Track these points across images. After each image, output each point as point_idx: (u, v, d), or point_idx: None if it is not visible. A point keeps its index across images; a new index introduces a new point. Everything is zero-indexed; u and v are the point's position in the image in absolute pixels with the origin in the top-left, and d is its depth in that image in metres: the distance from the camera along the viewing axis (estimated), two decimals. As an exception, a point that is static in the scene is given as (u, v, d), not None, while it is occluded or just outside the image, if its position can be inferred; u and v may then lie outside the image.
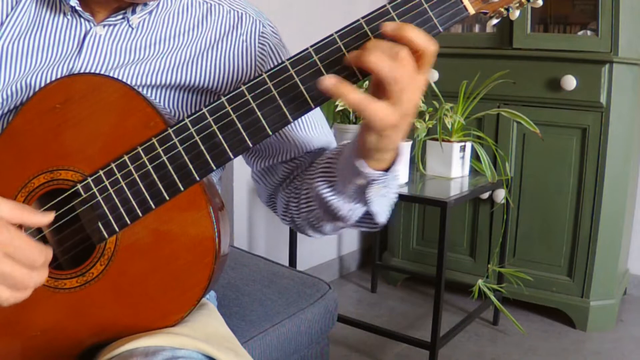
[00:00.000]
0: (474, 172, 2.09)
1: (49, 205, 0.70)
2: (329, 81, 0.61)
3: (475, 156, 2.04)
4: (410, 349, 2.01)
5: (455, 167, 2.00)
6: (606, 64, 2.04)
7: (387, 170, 0.71)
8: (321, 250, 2.62)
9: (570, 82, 2.08)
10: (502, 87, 2.11)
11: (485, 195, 2.30)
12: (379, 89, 0.62)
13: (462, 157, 2.02)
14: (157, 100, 0.82)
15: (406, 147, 1.85)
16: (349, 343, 2.09)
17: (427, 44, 0.61)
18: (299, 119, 0.86)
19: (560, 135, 2.16)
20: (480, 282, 2.11)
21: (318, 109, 0.89)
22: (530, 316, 2.32)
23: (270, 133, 0.66)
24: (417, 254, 2.53)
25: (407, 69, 0.60)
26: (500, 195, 2.24)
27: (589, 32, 2.19)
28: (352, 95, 0.61)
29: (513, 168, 2.26)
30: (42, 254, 0.62)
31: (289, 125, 0.86)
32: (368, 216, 0.79)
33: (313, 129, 0.89)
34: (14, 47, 0.79)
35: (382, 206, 0.77)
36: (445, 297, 2.23)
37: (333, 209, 0.78)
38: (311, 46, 0.65)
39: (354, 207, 0.77)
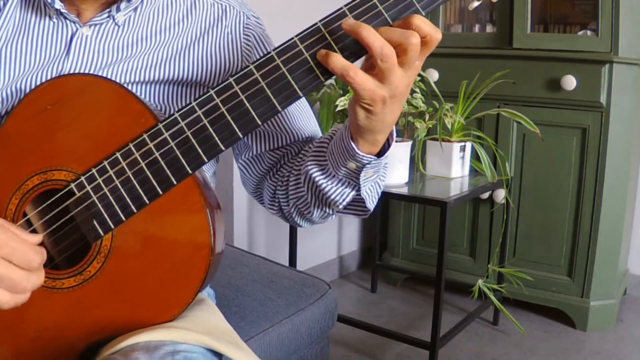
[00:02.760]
0: (474, 172, 2.09)
1: (42, 206, 0.70)
2: (320, 51, 0.64)
3: (475, 156, 2.04)
4: (410, 349, 2.01)
5: (455, 167, 2.00)
6: (606, 64, 2.04)
7: (379, 155, 0.72)
8: (321, 250, 2.62)
9: (570, 82, 2.08)
10: (502, 87, 2.11)
11: (485, 195, 2.30)
12: (371, 66, 0.64)
13: (462, 157, 2.02)
14: (147, 96, 0.83)
15: (406, 147, 1.85)
16: (349, 343, 2.09)
17: (434, 32, 0.63)
18: (287, 109, 0.86)
19: (560, 135, 2.16)
20: (480, 282, 2.11)
21: (305, 100, 0.89)
22: (530, 316, 2.32)
23: (260, 123, 0.67)
24: (417, 254, 2.53)
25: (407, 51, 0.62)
26: (500, 195, 2.24)
27: (589, 32, 2.19)
28: (339, 61, 0.63)
29: (513, 168, 2.26)
30: (38, 254, 0.62)
31: (280, 114, 0.87)
32: (357, 202, 0.81)
33: (300, 119, 0.90)
34: (1, 53, 0.79)
35: (371, 192, 0.79)
36: (445, 297, 2.23)
37: (323, 193, 0.79)
38: (296, 35, 0.66)
39: (344, 191, 0.78)
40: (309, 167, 0.79)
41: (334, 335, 2.09)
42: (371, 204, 0.81)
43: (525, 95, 2.19)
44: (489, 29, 2.42)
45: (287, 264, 1.94)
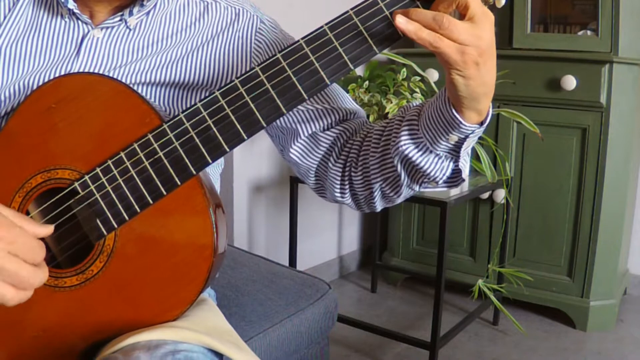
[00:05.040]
0: (474, 172, 2.09)
1: (45, 205, 0.70)
2: (400, 19, 0.62)
3: (475, 156, 2.04)
4: (410, 349, 2.01)
5: (455, 167, 2.00)
6: (606, 64, 2.04)
7: (481, 122, 0.71)
8: (321, 250, 2.62)
9: (570, 82, 2.08)
10: (502, 87, 2.11)
11: (485, 195, 2.30)
12: None
13: (462, 157, 2.02)
14: (153, 98, 0.83)
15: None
16: (349, 343, 2.09)
17: None
18: (328, 90, 0.86)
19: (560, 135, 2.16)
20: (480, 282, 2.11)
21: (337, 84, 0.88)
22: (530, 316, 2.32)
23: (265, 125, 0.67)
24: (417, 254, 2.53)
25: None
26: (500, 195, 2.24)
27: (589, 32, 2.19)
28: (425, 31, 0.62)
29: (513, 168, 2.26)
30: (42, 249, 0.62)
31: (319, 96, 0.84)
32: (453, 173, 0.79)
33: (341, 98, 0.88)
34: (12, 49, 0.79)
35: (465, 162, 0.77)
36: (445, 297, 2.23)
37: (422, 170, 0.77)
38: (302, 38, 0.67)
39: (443, 165, 0.76)
40: (403, 146, 0.75)
41: (334, 335, 2.09)
42: (466, 174, 0.79)
43: (525, 95, 2.19)
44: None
45: (287, 264, 1.94)
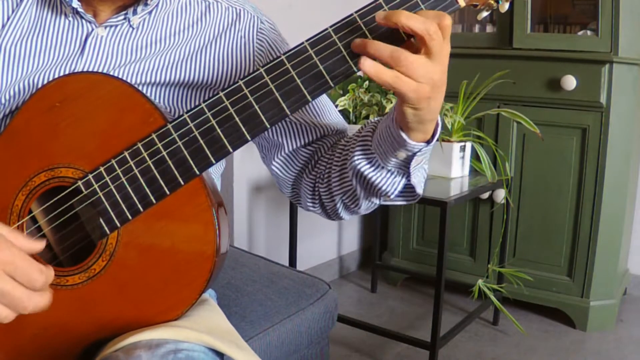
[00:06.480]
0: (474, 172, 2.09)
1: (48, 203, 0.70)
2: (367, 64, 0.63)
3: (475, 156, 2.04)
4: (410, 349, 2.01)
5: (455, 167, 2.00)
6: (606, 64, 2.04)
7: (428, 141, 0.72)
8: (321, 250, 2.62)
9: (570, 82, 2.08)
10: (502, 87, 2.11)
11: (485, 195, 2.30)
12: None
13: (462, 157, 2.02)
14: (157, 98, 0.83)
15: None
16: (349, 343, 2.09)
17: (442, 17, 0.62)
18: (315, 103, 0.87)
19: (560, 135, 2.16)
20: (480, 282, 2.11)
21: (325, 96, 0.89)
22: (530, 316, 2.32)
23: (268, 126, 0.68)
24: (417, 254, 2.53)
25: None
26: (500, 195, 2.24)
27: (589, 32, 2.19)
28: (386, 74, 0.63)
29: (513, 168, 2.26)
30: (43, 274, 0.62)
31: (306, 109, 0.87)
32: (407, 189, 0.81)
33: (329, 111, 0.90)
34: (17, 48, 0.80)
35: (419, 177, 0.79)
36: (445, 297, 2.23)
37: (374, 185, 0.79)
38: (306, 40, 0.67)
39: (394, 180, 0.78)
40: (356, 161, 0.78)
41: (334, 335, 2.09)
42: (421, 189, 0.81)
43: (525, 95, 2.20)
44: (489, 29, 2.42)
45: (287, 264, 1.94)
